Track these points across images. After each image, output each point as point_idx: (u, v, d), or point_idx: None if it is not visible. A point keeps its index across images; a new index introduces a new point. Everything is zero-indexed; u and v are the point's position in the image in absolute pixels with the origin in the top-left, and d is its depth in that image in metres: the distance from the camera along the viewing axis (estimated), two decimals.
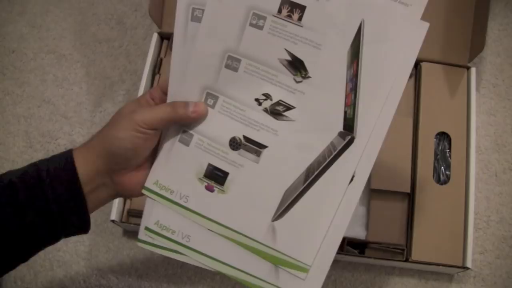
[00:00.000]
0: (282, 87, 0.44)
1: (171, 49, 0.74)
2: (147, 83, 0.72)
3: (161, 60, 0.74)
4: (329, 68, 0.43)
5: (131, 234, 0.72)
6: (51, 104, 0.80)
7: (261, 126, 0.44)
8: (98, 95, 0.80)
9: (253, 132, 0.45)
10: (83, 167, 0.42)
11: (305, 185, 0.43)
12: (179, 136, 0.46)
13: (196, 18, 0.45)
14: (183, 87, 0.45)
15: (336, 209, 0.43)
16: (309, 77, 0.43)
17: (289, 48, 0.43)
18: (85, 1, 0.86)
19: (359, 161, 0.42)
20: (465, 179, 0.66)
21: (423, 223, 0.64)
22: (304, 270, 0.43)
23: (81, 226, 0.43)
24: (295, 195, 0.43)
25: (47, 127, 0.79)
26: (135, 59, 0.82)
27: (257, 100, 0.44)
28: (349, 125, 0.43)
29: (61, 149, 0.77)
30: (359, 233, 0.65)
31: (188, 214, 0.45)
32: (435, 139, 0.68)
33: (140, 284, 0.70)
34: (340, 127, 0.43)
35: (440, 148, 0.68)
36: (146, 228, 0.46)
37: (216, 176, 0.45)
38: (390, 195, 0.66)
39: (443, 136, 0.68)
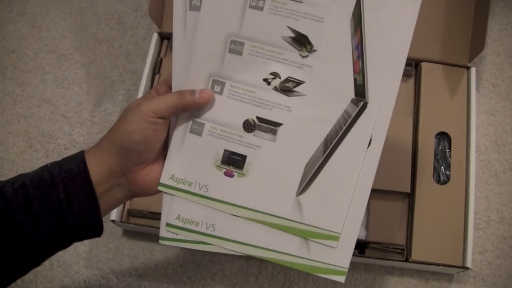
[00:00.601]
0: (289, 64, 0.44)
1: (171, 49, 0.74)
2: (147, 83, 0.72)
3: (161, 60, 0.74)
4: (333, 39, 0.44)
5: (131, 234, 0.72)
6: (51, 104, 0.80)
7: (273, 105, 0.45)
8: (98, 95, 0.80)
9: (266, 112, 0.45)
10: (96, 168, 0.42)
11: (325, 155, 0.44)
12: (189, 127, 0.46)
13: (194, 7, 0.45)
14: (187, 77, 0.45)
15: (358, 174, 0.44)
16: (314, 50, 0.44)
17: (291, 25, 0.44)
18: (85, 1, 0.86)
19: (374, 125, 0.44)
20: (465, 179, 0.66)
21: (423, 223, 0.64)
22: (335, 238, 0.44)
23: (94, 228, 0.43)
24: (316, 167, 0.44)
25: (47, 127, 0.79)
26: (135, 59, 0.82)
27: (265, 80, 0.45)
28: (360, 91, 0.44)
29: (61, 149, 0.77)
30: (359, 233, 0.64)
31: (210, 203, 0.46)
32: (435, 139, 0.68)
33: (140, 284, 0.70)
34: (351, 94, 0.44)
35: (440, 148, 0.68)
36: (168, 225, 0.46)
37: (234, 161, 0.45)
38: (390, 195, 0.66)
39: (443, 136, 0.68)
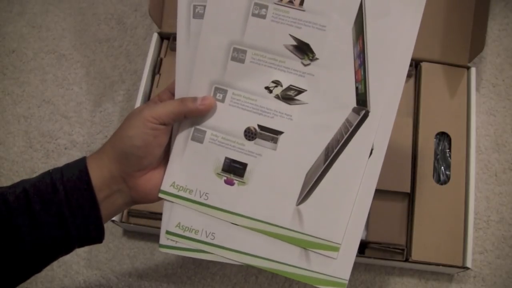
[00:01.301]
0: (291, 72, 0.44)
1: (171, 49, 0.74)
2: (147, 83, 0.72)
3: (161, 60, 0.74)
4: (335, 47, 0.44)
5: (131, 234, 0.72)
6: (51, 104, 0.80)
7: (275, 113, 0.45)
8: (98, 95, 0.80)
9: (267, 120, 0.45)
10: (96, 173, 0.42)
11: (325, 164, 0.43)
12: (191, 134, 0.46)
13: (198, 15, 0.45)
14: (190, 84, 0.45)
15: (359, 184, 0.44)
16: (316, 58, 0.44)
17: (293, 33, 0.44)
18: (85, 1, 0.86)
19: (376, 134, 0.43)
20: (465, 179, 0.66)
21: (423, 223, 0.64)
22: (335, 249, 0.44)
23: (95, 234, 0.43)
24: (317, 176, 0.44)
25: (47, 127, 0.79)
26: (135, 59, 0.82)
27: (267, 88, 0.45)
28: (362, 100, 0.43)
29: (61, 149, 0.77)
30: None
31: (210, 211, 0.45)
32: (435, 139, 0.68)
33: (140, 284, 0.70)
34: (353, 103, 0.44)
35: (440, 148, 0.68)
36: (167, 232, 0.46)
37: (234, 169, 0.45)
38: (390, 195, 0.66)
39: (443, 136, 0.68)
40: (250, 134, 0.45)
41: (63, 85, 0.81)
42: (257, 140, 0.45)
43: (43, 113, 0.80)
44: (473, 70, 0.70)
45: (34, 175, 0.43)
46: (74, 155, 0.77)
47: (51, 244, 0.41)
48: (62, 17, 0.85)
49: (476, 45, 0.69)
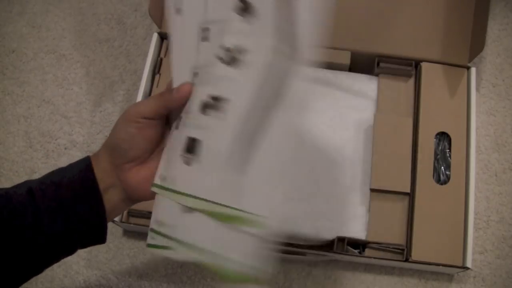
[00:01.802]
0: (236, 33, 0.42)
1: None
2: (147, 83, 0.72)
3: (161, 60, 0.74)
4: None
5: (131, 234, 0.72)
6: (51, 104, 0.80)
7: (222, 79, 0.42)
8: (98, 95, 0.80)
9: (217, 89, 0.42)
10: (96, 170, 0.43)
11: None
12: (175, 124, 0.45)
13: (179, 11, 0.45)
14: (180, 77, 0.45)
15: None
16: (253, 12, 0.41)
17: None
18: (85, 1, 0.86)
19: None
20: (465, 179, 0.66)
21: (423, 223, 0.64)
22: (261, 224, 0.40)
23: (98, 233, 0.43)
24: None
25: (47, 127, 0.79)
26: (135, 59, 0.82)
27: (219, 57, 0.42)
28: None
29: (61, 149, 0.77)
30: (359, 233, 0.65)
31: (178, 197, 0.42)
32: (435, 139, 0.68)
33: (140, 284, 0.70)
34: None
35: (440, 148, 0.68)
36: (151, 229, 0.44)
37: (191, 147, 0.43)
38: (390, 195, 0.66)
39: (443, 136, 0.68)
40: (203, 108, 0.43)
41: (63, 85, 0.81)
42: (209, 111, 0.42)
43: (43, 113, 0.80)
44: (473, 70, 0.70)
45: (34, 175, 0.43)
46: (74, 155, 0.77)
47: (53, 244, 0.41)
48: (62, 17, 0.85)
49: (476, 45, 0.69)
